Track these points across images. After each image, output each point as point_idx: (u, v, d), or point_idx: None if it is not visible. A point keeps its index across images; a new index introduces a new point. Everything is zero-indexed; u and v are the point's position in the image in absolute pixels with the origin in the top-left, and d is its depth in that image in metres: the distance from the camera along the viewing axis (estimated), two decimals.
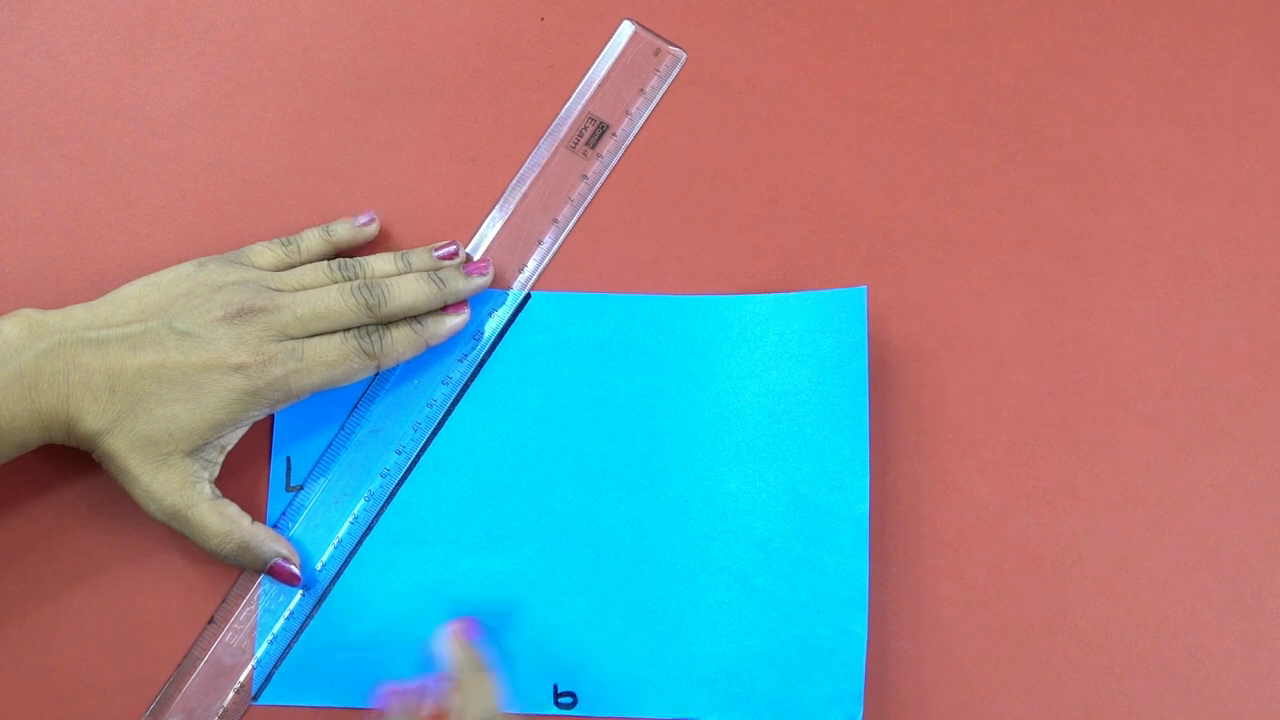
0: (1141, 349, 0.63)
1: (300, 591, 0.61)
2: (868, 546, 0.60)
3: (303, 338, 0.58)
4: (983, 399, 0.63)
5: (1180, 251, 0.64)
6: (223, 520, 0.58)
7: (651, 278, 0.63)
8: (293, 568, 0.60)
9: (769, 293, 0.62)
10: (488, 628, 0.60)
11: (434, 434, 0.62)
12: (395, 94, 0.65)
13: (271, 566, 0.59)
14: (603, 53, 0.65)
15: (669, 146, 0.65)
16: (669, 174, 0.64)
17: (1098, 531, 0.62)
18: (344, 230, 0.63)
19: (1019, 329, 0.63)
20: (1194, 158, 0.65)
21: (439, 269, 0.61)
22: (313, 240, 0.62)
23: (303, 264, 0.61)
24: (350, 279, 0.60)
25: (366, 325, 0.59)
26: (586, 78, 0.65)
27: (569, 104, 0.65)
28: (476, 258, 0.63)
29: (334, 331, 0.59)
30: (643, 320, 0.62)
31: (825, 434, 0.60)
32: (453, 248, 0.62)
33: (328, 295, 0.59)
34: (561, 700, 0.60)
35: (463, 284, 0.61)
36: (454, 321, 0.61)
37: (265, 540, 0.59)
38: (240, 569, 0.61)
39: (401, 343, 0.60)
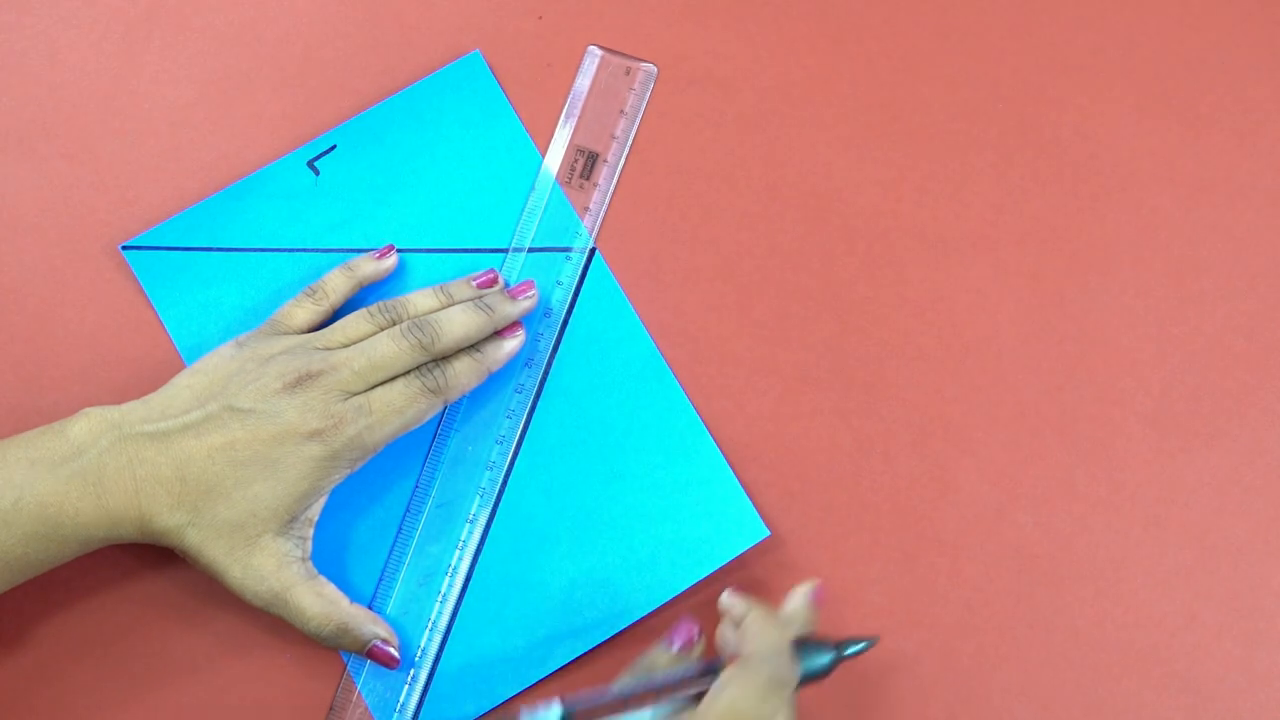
0: (1140, 348, 0.63)
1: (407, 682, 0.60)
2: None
3: (366, 391, 0.57)
4: (982, 398, 0.63)
5: (1178, 251, 0.64)
6: (322, 601, 0.57)
7: (652, 280, 0.63)
8: (391, 650, 0.58)
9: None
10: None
11: (500, 495, 0.61)
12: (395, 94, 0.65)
13: (370, 649, 0.58)
14: (574, 82, 0.65)
15: (663, 156, 0.65)
16: (665, 180, 0.65)
17: (1096, 531, 0.62)
18: (366, 266, 0.62)
19: (1018, 328, 0.63)
20: (1192, 157, 0.65)
21: (481, 296, 0.60)
22: (337, 281, 0.61)
23: (332, 307, 0.60)
24: (395, 322, 0.59)
25: (425, 364, 0.58)
26: (564, 110, 0.64)
27: (553, 140, 0.64)
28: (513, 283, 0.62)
29: (395, 378, 0.57)
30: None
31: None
32: (491, 274, 0.61)
33: (380, 344, 0.57)
34: None
35: (510, 308, 0.60)
36: (511, 345, 0.60)
37: (364, 622, 0.58)
38: (338, 652, 0.60)
39: (464, 373, 0.59)
